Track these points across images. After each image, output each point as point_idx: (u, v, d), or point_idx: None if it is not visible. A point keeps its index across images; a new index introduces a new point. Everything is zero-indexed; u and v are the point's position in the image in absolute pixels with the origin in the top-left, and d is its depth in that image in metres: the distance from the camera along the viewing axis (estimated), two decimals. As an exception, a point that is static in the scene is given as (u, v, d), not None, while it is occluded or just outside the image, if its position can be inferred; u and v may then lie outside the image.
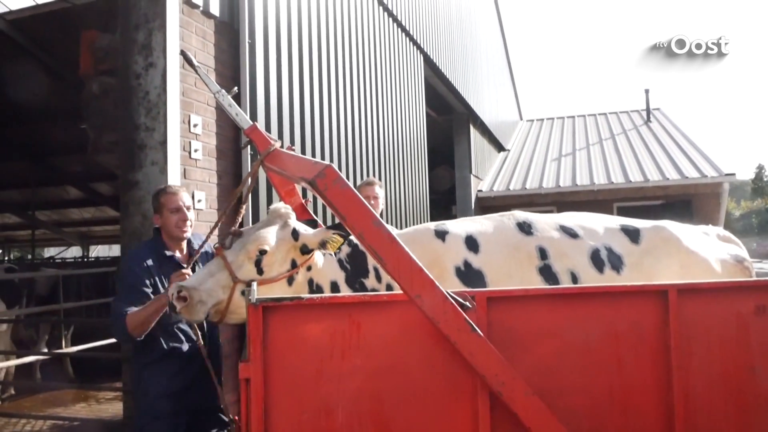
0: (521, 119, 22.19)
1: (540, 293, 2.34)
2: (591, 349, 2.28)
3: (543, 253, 2.92)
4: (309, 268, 2.86)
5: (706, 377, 2.32)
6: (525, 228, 3.01)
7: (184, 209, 3.10)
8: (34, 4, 6.73)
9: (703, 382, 2.32)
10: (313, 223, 3.04)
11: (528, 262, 2.91)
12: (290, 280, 2.81)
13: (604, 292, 2.39)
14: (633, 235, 3.06)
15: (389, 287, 2.89)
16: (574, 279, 2.88)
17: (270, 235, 2.76)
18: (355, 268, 2.92)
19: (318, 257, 2.87)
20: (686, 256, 3.01)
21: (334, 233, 2.73)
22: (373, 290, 2.89)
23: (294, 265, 2.78)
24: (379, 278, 2.93)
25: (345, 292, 2.86)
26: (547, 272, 2.89)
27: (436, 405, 2.18)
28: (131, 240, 3.84)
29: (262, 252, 2.72)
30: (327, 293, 2.84)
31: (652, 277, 2.86)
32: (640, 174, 14.28)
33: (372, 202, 4.35)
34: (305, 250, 2.79)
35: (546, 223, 3.06)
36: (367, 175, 6.59)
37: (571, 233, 3.01)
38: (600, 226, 3.09)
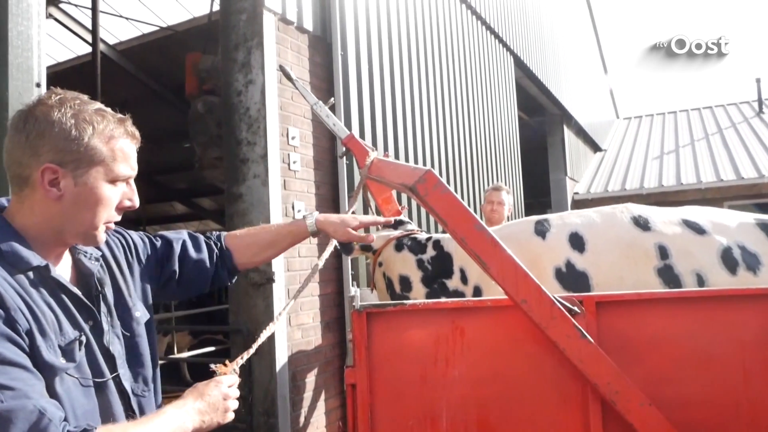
0: (617, 117, 21.28)
1: (654, 297, 2.21)
2: (713, 358, 2.12)
3: (663, 252, 2.59)
4: (380, 264, 3.29)
5: None
6: (641, 223, 2.68)
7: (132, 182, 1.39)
8: (140, 33, 7.25)
9: None
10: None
11: (645, 263, 2.60)
12: None
13: (727, 295, 2.20)
14: None
15: (477, 290, 2.89)
16: (700, 281, 2.54)
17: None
18: (436, 269, 3.08)
19: (387, 253, 3.26)
20: None
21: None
22: (456, 291, 2.97)
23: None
24: (465, 280, 2.94)
25: (418, 289, 3.08)
26: (667, 274, 2.57)
27: (544, 413, 2.11)
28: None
29: None
30: (396, 285, 3.19)
31: None
32: (754, 170, 13.23)
33: (497, 207, 4.36)
34: (364, 249, 3.40)
35: (667, 217, 2.72)
36: (461, 180, 6.54)
37: (696, 229, 2.64)
38: (731, 220, 2.70)
